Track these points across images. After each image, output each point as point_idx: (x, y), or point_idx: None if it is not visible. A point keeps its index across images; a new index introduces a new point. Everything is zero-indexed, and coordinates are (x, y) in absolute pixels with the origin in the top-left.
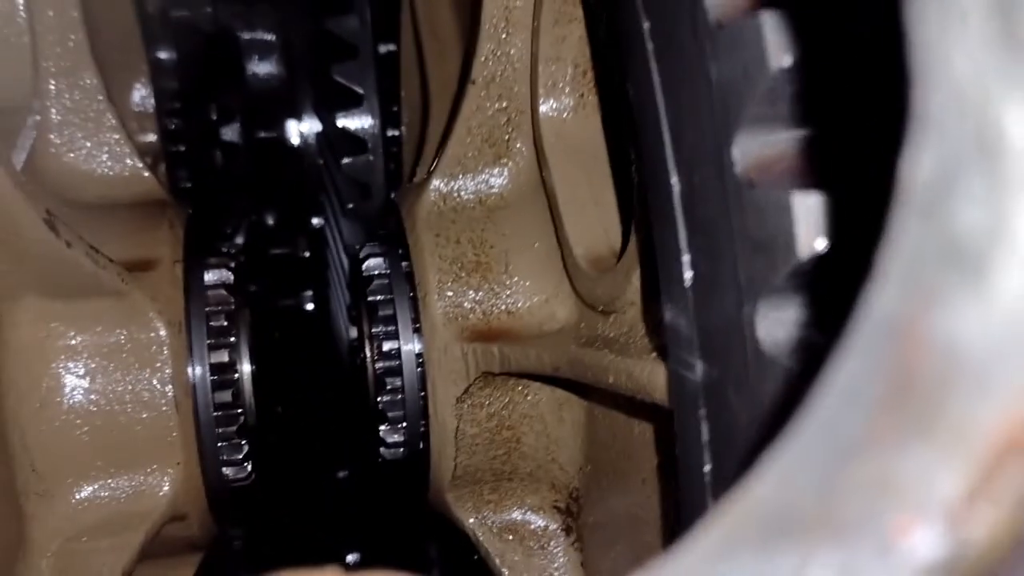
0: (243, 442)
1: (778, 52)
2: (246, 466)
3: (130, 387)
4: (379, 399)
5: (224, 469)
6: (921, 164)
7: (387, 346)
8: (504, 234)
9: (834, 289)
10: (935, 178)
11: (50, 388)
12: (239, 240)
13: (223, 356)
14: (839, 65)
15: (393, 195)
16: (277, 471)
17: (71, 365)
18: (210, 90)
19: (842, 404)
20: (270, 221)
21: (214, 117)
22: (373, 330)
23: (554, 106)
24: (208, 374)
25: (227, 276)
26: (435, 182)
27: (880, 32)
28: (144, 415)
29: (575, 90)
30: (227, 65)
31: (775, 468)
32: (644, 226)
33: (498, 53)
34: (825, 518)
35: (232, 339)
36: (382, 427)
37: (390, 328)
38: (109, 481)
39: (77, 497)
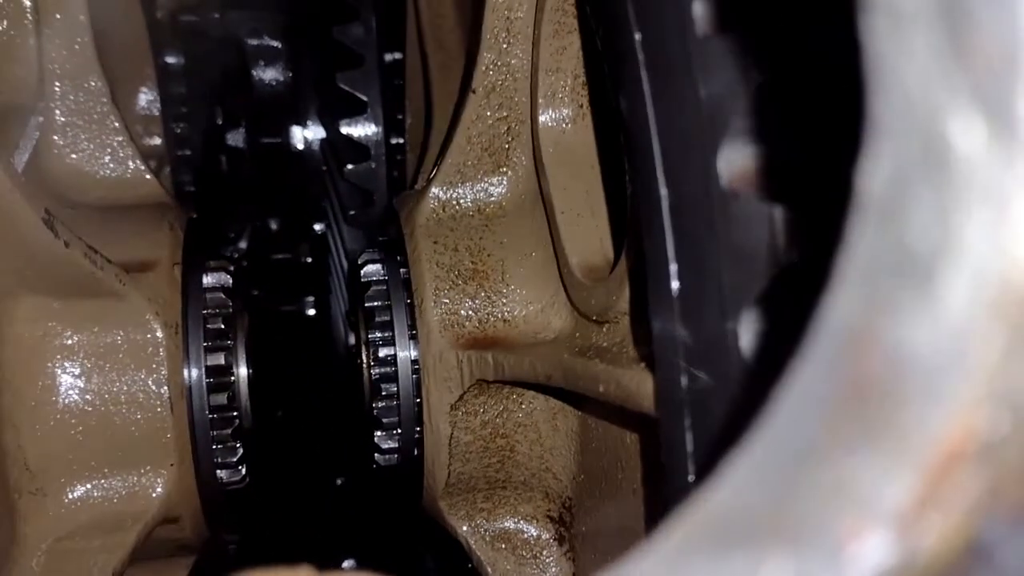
0: (238, 445)
1: (760, 66)
2: (240, 469)
3: (126, 388)
4: (374, 405)
5: (218, 472)
6: (875, 174)
7: (383, 352)
8: (501, 243)
9: (804, 302)
10: (888, 188)
11: (46, 387)
12: (242, 244)
13: (219, 359)
14: (808, 81)
15: (394, 202)
16: (271, 475)
17: (67, 364)
18: (216, 95)
19: (797, 410)
20: (273, 226)
21: (219, 122)
22: (370, 336)
23: (553, 116)
24: (204, 376)
25: (226, 279)
26: (434, 189)
27: (840, 45)
28: (139, 416)
29: (574, 101)
30: (233, 71)
31: (731, 474)
32: (635, 236)
33: (498, 63)
34: (778, 523)
35: (229, 342)
36: (377, 433)
37: (387, 334)
38: (102, 481)
39: (70, 496)
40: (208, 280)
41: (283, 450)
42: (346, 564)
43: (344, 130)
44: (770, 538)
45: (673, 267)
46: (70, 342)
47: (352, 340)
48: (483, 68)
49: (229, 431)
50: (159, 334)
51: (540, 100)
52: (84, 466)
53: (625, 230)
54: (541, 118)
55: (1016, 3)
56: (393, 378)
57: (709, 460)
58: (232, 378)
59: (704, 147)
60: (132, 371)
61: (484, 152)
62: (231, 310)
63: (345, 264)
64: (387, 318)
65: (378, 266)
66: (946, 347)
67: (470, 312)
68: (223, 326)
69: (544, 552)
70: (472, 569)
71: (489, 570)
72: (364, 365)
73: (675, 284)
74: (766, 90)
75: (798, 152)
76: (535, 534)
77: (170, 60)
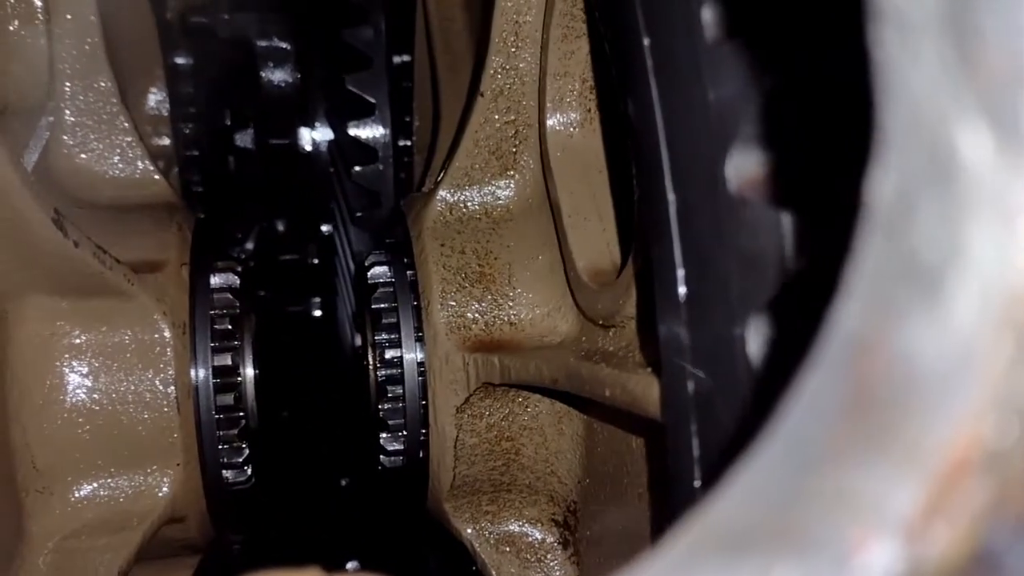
0: (244, 445)
1: (770, 72)
2: (246, 469)
3: (133, 387)
4: (380, 407)
5: (224, 472)
6: (883, 183)
7: (389, 354)
8: (508, 246)
9: (812, 308)
10: (896, 197)
11: (53, 386)
12: (249, 245)
13: (226, 359)
14: (818, 89)
15: (401, 204)
16: (277, 475)
17: (75, 364)
18: (225, 96)
19: (805, 419)
20: (280, 227)
21: (228, 123)
22: (376, 338)
23: (561, 120)
24: (211, 376)
25: (233, 280)
26: (442, 192)
27: (851, 55)
28: (146, 415)
29: (582, 105)
30: (242, 72)
31: (739, 482)
32: (642, 241)
33: (507, 66)
34: (785, 532)
35: (236, 342)
36: (382, 435)
37: (393, 336)
38: (109, 480)
39: (76, 495)
40: (216, 281)
41: (288, 451)
42: (350, 565)
43: (352, 132)
44: (778, 546)
45: (680, 272)
46: (78, 341)
47: (358, 342)
48: (491, 71)
49: (235, 431)
50: (167, 334)
51: (548, 104)
52: (91, 465)
53: (632, 235)
54: (549, 122)
55: (1023, 14)
56: (399, 380)
57: (716, 466)
58: (239, 378)
59: (712, 152)
60: (139, 371)
61: (491, 155)
62: (238, 311)
63: (352, 265)
64: (394, 320)
65: (385, 268)
66: (953, 355)
67: (477, 315)
68: (230, 326)
69: (548, 556)
70: (476, 572)
71: (493, 573)
72: (370, 367)
73: (682, 289)
74: (777, 96)
75: (807, 159)
76: (540, 537)
77: (179, 61)
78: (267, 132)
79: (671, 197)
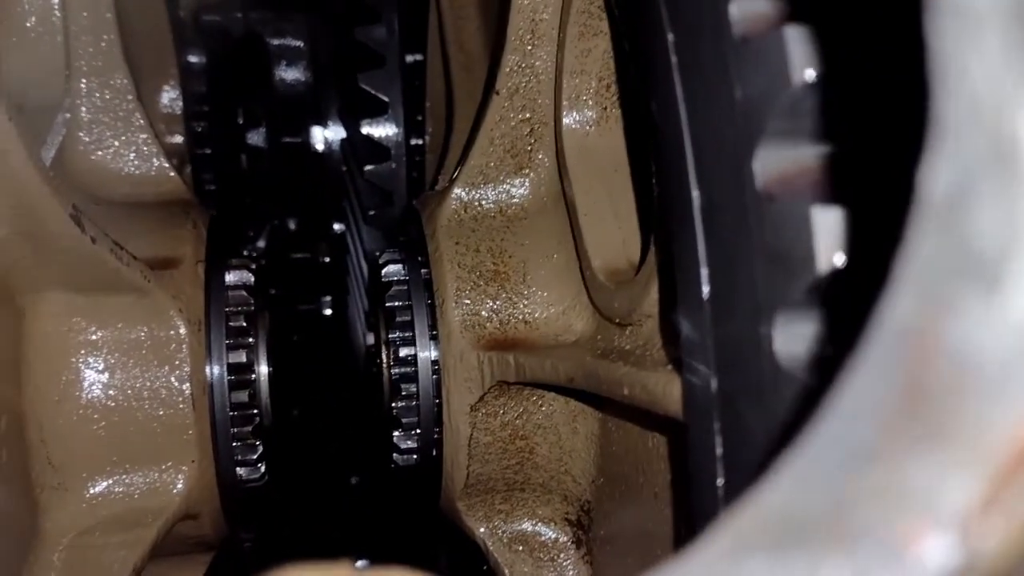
0: (258, 443)
1: (801, 66)
2: (260, 467)
3: (148, 384)
4: (394, 405)
5: (238, 469)
6: (938, 174)
7: (403, 352)
8: (523, 244)
9: (851, 304)
10: (952, 188)
11: (69, 382)
12: (261, 243)
13: (241, 356)
14: (861, 79)
15: (415, 202)
16: (290, 473)
17: (91, 360)
18: (238, 94)
19: (855, 412)
20: (292, 225)
21: (241, 121)
22: (390, 336)
23: (577, 119)
24: (226, 374)
25: (248, 277)
26: (457, 190)
27: (902, 43)
28: (161, 412)
29: (598, 103)
30: (255, 70)
31: (788, 475)
32: (663, 239)
33: (523, 64)
34: (836, 525)
35: (251, 340)
36: (396, 433)
37: (407, 334)
38: (124, 477)
39: (91, 491)
40: (231, 278)
41: (302, 449)
42: (360, 564)
43: (365, 130)
44: (828, 540)
45: (704, 270)
46: (94, 338)
47: (372, 340)
48: (507, 70)
49: (249, 428)
50: (182, 331)
51: (564, 102)
52: (106, 461)
53: (650, 232)
54: (565, 120)
55: None
56: (413, 378)
57: (742, 464)
58: (253, 376)
59: (738, 149)
60: (155, 367)
61: (507, 154)
62: (253, 308)
63: (364, 264)
64: (408, 318)
65: (399, 266)
66: (1012, 347)
67: (491, 313)
68: (245, 324)
69: (562, 555)
70: (489, 571)
71: (506, 572)
72: (384, 365)
73: (706, 287)
74: (817, 87)
75: (849, 152)
76: (553, 537)
77: (193, 59)
78: (280, 130)
79: (695, 194)
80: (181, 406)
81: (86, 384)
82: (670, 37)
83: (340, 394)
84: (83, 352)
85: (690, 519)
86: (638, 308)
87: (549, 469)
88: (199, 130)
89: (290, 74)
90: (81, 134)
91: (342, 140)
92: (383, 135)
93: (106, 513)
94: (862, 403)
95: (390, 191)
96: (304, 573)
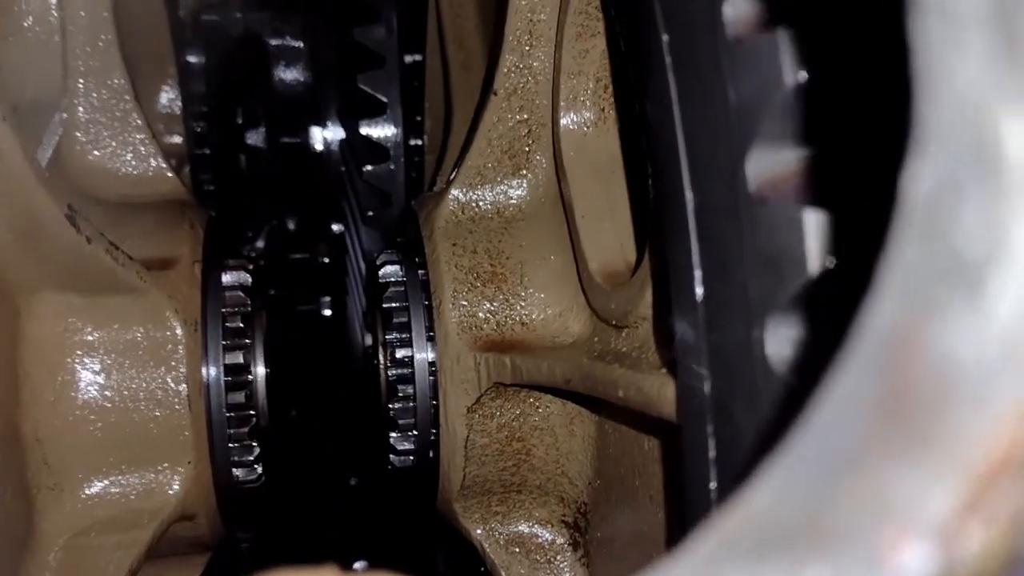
0: (254, 444)
1: (794, 69)
2: (256, 468)
3: (144, 384)
4: (390, 406)
5: (234, 470)
6: (922, 178)
7: (400, 353)
8: (521, 245)
9: (840, 308)
10: (935, 192)
11: (65, 382)
12: (260, 243)
13: (238, 357)
14: (848, 83)
15: (413, 203)
16: (287, 474)
17: (87, 360)
18: (237, 95)
19: (837, 417)
20: (291, 226)
21: (240, 121)
22: (387, 337)
23: (574, 119)
24: (222, 375)
25: (245, 278)
26: (454, 191)
27: (887, 46)
28: (157, 413)
29: (596, 104)
30: (254, 71)
31: (770, 480)
32: (658, 241)
33: (520, 65)
34: (817, 531)
35: (247, 341)
36: (392, 434)
37: (404, 335)
38: (120, 478)
39: (87, 492)
40: (227, 278)
41: (298, 450)
42: (357, 565)
43: (363, 131)
44: (809, 546)
45: (698, 273)
46: (90, 338)
47: (369, 341)
48: (505, 70)
49: (246, 430)
50: (179, 331)
51: (561, 103)
52: (102, 462)
53: (646, 234)
54: (562, 121)
55: None
56: (410, 379)
57: (734, 468)
58: (250, 377)
59: (732, 151)
60: (151, 368)
61: (504, 155)
62: (250, 309)
63: (362, 265)
64: (405, 319)
65: (396, 267)
66: (994, 354)
67: (488, 315)
68: (242, 324)
69: (558, 557)
70: (485, 572)
71: (503, 574)
72: (381, 366)
73: (699, 290)
74: (805, 90)
75: (836, 155)
76: (549, 539)
77: (191, 59)
78: (278, 131)
79: (689, 196)
80: (177, 407)
81: (82, 385)
82: (664, 37)
83: (337, 395)
84: (79, 353)
85: (683, 521)
86: (634, 310)
87: (546, 471)
88: (198, 130)
89: (289, 74)
90: (78, 134)
91: (341, 140)
92: (382, 136)
93: (102, 514)
94: (844, 409)
95: (389, 192)
96: None
